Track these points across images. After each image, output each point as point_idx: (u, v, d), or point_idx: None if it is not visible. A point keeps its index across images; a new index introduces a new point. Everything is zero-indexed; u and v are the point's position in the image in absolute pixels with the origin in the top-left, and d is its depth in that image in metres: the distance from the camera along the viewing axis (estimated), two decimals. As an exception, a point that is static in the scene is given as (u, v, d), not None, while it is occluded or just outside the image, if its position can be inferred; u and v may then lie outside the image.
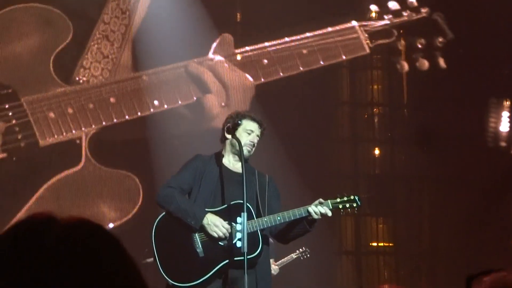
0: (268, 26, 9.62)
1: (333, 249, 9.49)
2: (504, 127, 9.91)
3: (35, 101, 9.25)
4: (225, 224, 5.40)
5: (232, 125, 5.54)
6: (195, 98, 9.55)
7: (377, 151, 9.90)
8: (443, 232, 9.76)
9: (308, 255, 8.36)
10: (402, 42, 9.72)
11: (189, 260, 5.40)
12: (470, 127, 9.79)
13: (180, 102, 9.49)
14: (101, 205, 9.24)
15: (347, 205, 5.44)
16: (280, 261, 8.21)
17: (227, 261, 5.31)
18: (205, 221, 5.36)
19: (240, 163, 5.45)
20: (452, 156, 9.80)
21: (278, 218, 5.42)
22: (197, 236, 5.42)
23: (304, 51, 9.70)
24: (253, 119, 5.65)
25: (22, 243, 1.26)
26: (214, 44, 9.70)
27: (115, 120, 9.31)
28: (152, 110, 9.45)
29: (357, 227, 9.52)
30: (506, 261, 9.50)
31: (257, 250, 5.39)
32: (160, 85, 9.49)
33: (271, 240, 5.77)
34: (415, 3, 9.71)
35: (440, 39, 9.62)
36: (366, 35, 9.68)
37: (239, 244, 5.33)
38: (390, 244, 9.73)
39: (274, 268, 7.81)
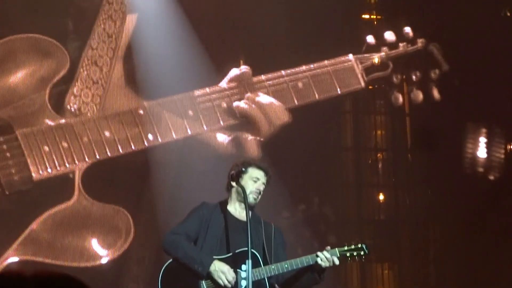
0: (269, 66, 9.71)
1: None
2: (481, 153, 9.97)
3: (29, 134, 9.25)
4: (232, 271, 5.46)
5: (236, 173, 5.62)
6: (189, 132, 9.56)
7: (381, 196, 9.95)
8: (449, 277, 9.79)
9: None
10: (398, 74, 9.72)
11: None
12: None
13: (175, 136, 9.51)
14: (92, 240, 9.21)
15: (355, 253, 5.53)
16: None
17: None
18: (212, 268, 5.44)
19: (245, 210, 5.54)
20: (457, 198, 9.89)
21: (286, 266, 5.50)
22: (204, 283, 5.49)
23: (300, 85, 9.76)
24: (259, 167, 5.76)
25: None
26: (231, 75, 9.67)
27: (109, 154, 9.32)
28: (146, 144, 9.47)
29: (363, 273, 9.54)
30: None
31: (265, 297, 5.46)
32: (156, 119, 9.51)
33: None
34: (411, 34, 9.77)
35: (435, 71, 9.67)
36: (362, 68, 9.74)
37: (245, 292, 5.39)
38: None
39: None
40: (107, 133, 9.36)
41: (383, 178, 9.97)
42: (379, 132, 10.12)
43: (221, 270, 5.40)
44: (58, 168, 9.24)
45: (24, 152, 9.19)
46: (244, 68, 9.64)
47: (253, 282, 5.36)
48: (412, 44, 9.72)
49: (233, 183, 5.62)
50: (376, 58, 9.65)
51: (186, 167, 9.44)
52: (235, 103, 9.48)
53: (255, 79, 9.70)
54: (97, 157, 9.28)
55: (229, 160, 8.99)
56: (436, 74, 9.74)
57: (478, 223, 9.87)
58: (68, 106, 9.38)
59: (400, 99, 9.81)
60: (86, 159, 9.30)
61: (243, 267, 5.42)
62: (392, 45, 9.75)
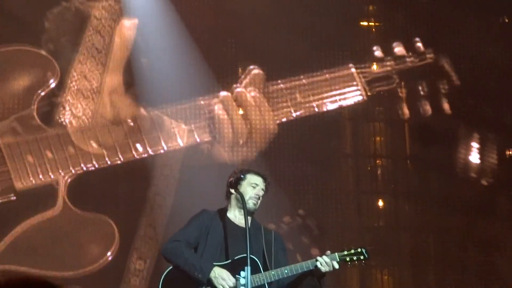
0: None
1: None
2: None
3: (13, 145, 9.24)
4: (232, 277, 5.48)
5: (235, 180, 5.67)
6: (181, 144, 9.58)
7: (380, 203, 10.00)
8: (448, 283, 9.85)
9: None
10: (403, 88, 9.75)
11: None
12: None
13: (165, 147, 9.53)
14: (76, 249, 9.21)
15: (355, 258, 5.56)
16: None
17: None
18: (212, 274, 5.45)
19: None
20: (456, 204, 9.98)
21: (286, 271, 5.52)
22: None
23: (298, 97, 9.82)
24: (257, 174, 5.81)
25: None
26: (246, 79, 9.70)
27: (96, 165, 9.32)
28: (135, 155, 9.48)
29: (362, 279, 9.59)
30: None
31: (265, 303, 5.49)
32: (146, 129, 9.53)
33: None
34: (422, 48, 9.79)
35: (445, 85, 9.67)
36: (364, 81, 9.79)
37: (244, 298, 5.41)
38: None
39: None
40: (94, 144, 9.36)
41: (383, 185, 10.02)
42: (378, 138, 10.17)
43: (221, 276, 5.41)
44: (42, 178, 9.23)
45: (7, 162, 9.18)
46: (256, 69, 9.73)
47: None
48: (421, 59, 9.71)
49: (232, 190, 5.69)
50: (375, 66, 9.63)
51: (187, 175, 9.50)
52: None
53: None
54: (83, 167, 9.28)
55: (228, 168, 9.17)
56: (445, 87, 9.75)
57: (477, 230, 9.95)
58: (58, 119, 9.38)
59: (408, 113, 9.83)
60: (71, 169, 9.29)
61: (243, 273, 5.44)
62: (399, 59, 9.77)
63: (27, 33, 9.42)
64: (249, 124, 9.63)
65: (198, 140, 9.64)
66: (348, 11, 10.10)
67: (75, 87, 9.51)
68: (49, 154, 9.26)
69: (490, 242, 9.98)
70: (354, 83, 9.74)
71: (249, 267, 5.29)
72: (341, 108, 9.92)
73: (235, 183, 5.66)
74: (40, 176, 9.23)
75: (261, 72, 9.75)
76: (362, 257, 5.55)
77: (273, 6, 9.74)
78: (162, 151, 9.51)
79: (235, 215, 5.73)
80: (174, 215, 9.32)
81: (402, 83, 9.81)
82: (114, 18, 9.54)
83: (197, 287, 5.48)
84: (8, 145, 9.24)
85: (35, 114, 9.29)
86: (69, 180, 9.29)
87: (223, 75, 9.80)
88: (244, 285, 5.42)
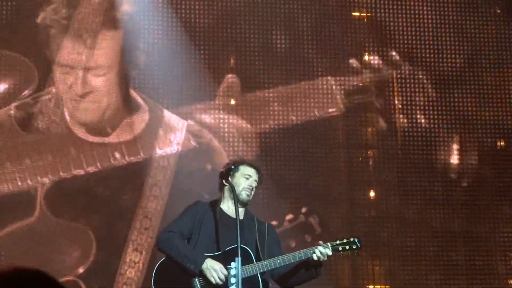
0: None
1: None
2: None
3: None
4: (224, 269, 5.51)
5: (226, 171, 5.69)
6: (158, 152, 9.57)
7: (372, 193, 10.00)
8: (440, 273, 9.87)
9: None
10: (380, 99, 9.75)
11: None
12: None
13: (143, 155, 9.53)
14: (52, 257, 9.20)
15: (347, 247, 5.60)
16: None
17: None
18: (204, 266, 5.50)
19: (239, 209, 5.56)
20: (448, 194, 9.98)
21: (278, 261, 5.56)
22: (197, 281, 5.53)
23: (276, 105, 9.85)
24: (250, 165, 5.86)
25: None
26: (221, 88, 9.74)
27: (74, 172, 9.32)
28: (113, 162, 9.48)
29: (353, 270, 9.59)
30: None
31: (258, 293, 5.51)
32: (126, 137, 9.54)
33: (271, 284, 5.87)
34: (398, 58, 9.82)
35: (421, 97, 9.68)
36: (342, 91, 9.80)
37: (235, 288, 5.43)
38: (387, 287, 9.81)
39: None
40: (72, 150, 9.36)
41: (374, 175, 10.03)
42: (369, 129, 10.17)
43: (213, 268, 5.45)
44: (20, 184, 9.23)
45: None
46: (231, 77, 9.74)
47: (245, 278, 5.42)
48: (398, 71, 9.74)
49: (224, 181, 5.70)
50: (357, 83, 9.66)
51: (184, 165, 9.52)
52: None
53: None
54: (61, 174, 9.27)
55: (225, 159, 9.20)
56: (421, 100, 9.79)
57: (470, 220, 9.98)
58: (36, 124, 9.37)
59: (384, 125, 9.84)
60: (49, 176, 9.28)
61: (233, 264, 5.47)
62: (376, 70, 9.77)
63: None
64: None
65: (193, 144, 9.69)
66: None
67: (54, 90, 9.51)
68: (27, 161, 9.26)
69: (480, 235, 9.99)
70: (332, 93, 9.75)
71: (239, 258, 5.33)
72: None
73: (226, 174, 5.69)
74: (18, 182, 9.23)
75: (237, 81, 9.78)
76: (354, 247, 5.59)
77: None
78: (139, 159, 9.51)
79: (228, 206, 5.76)
80: (170, 206, 9.33)
81: (379, 95, 9.82)
82: (100, 14, 9.56)
83: (190, 278, 5.53)
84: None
85: (12, 119, 9.30)
86: (46, 187, 9.27)
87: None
88: (235, 275, 5.44)
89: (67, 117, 9.49)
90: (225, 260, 5.54)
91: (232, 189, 5.57)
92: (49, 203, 9.25)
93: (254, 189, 5.76)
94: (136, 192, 9.41)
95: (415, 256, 9.82)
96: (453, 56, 10.10)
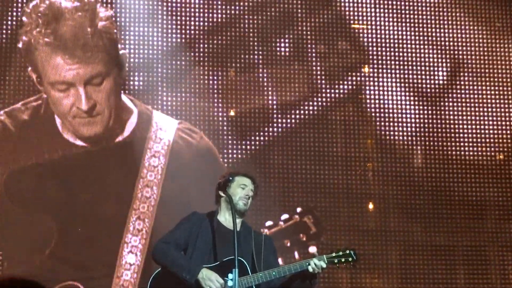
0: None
1: None
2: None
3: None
4: (220, 279, 5.53)
5: (223, 182, 5.72)
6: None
7: (371, 205, 10.02)
8: (440, 285, 9.93)
9: None
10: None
11: None
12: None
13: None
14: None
15: (343, 260, 5.60)
16: None
17: None
18: (200, 276, 5.51)
19: (236, 220, 5.58)
20: (446, 206, 10.00)
21: (274, 273, 5.57)
22: None
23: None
24: (246, 175, 5.88)
25: None
26: None
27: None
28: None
29: (352, 283, 9.56)
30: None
31: (253, 304, 5.52)
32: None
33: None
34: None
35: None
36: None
37: (232, 300, 5.45)
38: None
39: None
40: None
41: (373, 187, 9.98)
42: (369, 141, 10.21)
43: (208, 278, 5.46)
44: None
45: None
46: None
47: None
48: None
49: (221, 193, 5.73)
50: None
51: (175, 165, 9.52)
52: None
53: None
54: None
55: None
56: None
57: (469, 231, 9.96)
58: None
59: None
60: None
61: (230, 275, 5.48)
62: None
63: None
64: None
65: (189, 138, 9.68)
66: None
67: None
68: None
69: (480, 246, 10.00)
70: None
71: (237, 269, 5.33)
72: (331, 108, 10.02)
73: (224, 185, 5.72)
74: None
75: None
76: (350, 259, 5.59)
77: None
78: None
79: (225, 218, 5.78)
80: (162, 207, 9.33)
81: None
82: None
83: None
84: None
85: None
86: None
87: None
88: (231, 287, 5.46)
89: (59, 127, 9.49)
90: (222, 271, 5.55)
91: (230, 199, 5.60)
92: (10, 193, 9.23)
93: (250, 198, 5.80)
94: (127, 194, 9.42)
95: (414, 268, 9.86)
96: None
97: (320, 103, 9.93)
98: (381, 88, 10.13)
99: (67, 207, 9.31)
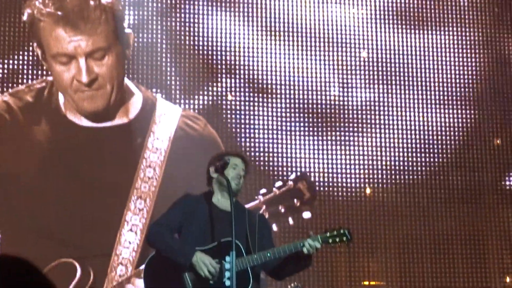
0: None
1: (324, 286, 9.50)
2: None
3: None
4: (214, 262, 5.49)
5: (221, 165, 5.70)
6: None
7: (368, 190, 10.08)
8: (436, 270, 9.85)
9: None
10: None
11: None
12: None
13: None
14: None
15: (337, 239, 5.60)
16: None
17: None
18: (194, 259, 5.45)
19: (229, 200, 5.59)
20: (444, 190, 10.04)
21: (268, 254, 5.55)
22: (187, 275, 5.50)
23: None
24: (236, 155, 5.90)
25: None
26: None
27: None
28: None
29: (350, 267, 9.55)
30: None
31: (248, 286, 5.56)
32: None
33: (262, 276, 5.92)
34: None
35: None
36: None
37: (228, 283, 5.48)
38: (382, 283, 9.83)
39: None
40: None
41: (371, 171, 10.00)
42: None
43: (203, 261, 5.42)
44: None
45: None
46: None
47: (236, 272, 5.36)
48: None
49: (218, 175, 5.70)
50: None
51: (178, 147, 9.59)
52: None
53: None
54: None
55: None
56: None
57: (466, 216, 10.01)
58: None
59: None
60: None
61: (227, 258, 5.48)
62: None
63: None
64: None
65: (193, 125, 9.77)
66: None
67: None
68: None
69: (478, 231, 10.04)
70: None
71: (233, 252, 5.33)
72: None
73: (222, 168, 5.68)
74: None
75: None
76: (345, 238, 5.59)
77: None
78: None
79: (219, 199, 5.74)
80: (164, 188, 9.42)
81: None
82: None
83: (180, 273, 5.50)
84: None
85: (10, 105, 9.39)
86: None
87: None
88: (228, 269, 5.48)
89: (63, 108, 9.56)
90: (217, 253, 5.51)
91: (227, 183, 5.56)
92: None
93: (242, 177, 5.76)
94: (130, 174, 9.50)
95: (412, 252, 9.91)
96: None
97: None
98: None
99: (68, 186, 9.34)
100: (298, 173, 9.72)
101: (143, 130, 9.55)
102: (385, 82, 10.21)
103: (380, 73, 10.21)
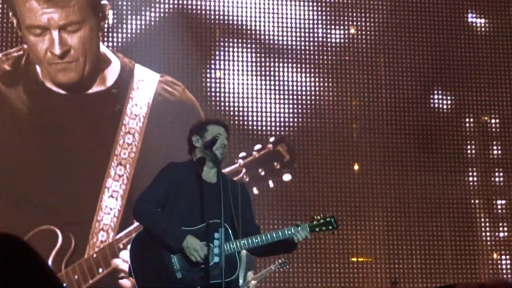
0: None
1: (312, 263, 9.55)
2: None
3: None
4: (204, 248, 5.46)
5: (210, 142, 5.49)
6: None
7: (356, 167, 10.05)
8: (423, 245, 9.93)
9: (288, 266, 8.34)
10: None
11: (166, 281, 5.39)
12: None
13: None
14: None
15: (324, 228, 5.62)
16: (258, 274, 8.13)
17: (204, 284, 5.32)
18: (185, 244, 5.33)
19: (213, 171, 5.56)
20: (431, 168, 10.06)
21: (256, 241, 5.50)
22: (175, 257, 5.38)
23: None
24: (218, 123, 5.70)
25: None
26: None
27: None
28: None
29: (338, 243, 9.61)
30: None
31: (235, 273, 5.56)
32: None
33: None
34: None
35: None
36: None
37: (217, 268, 5.48)
38: (370, 259, 9.89)
39: (252, 283, 7.84)
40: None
41: (359, 148, 9.99)
42: (354, 102, 10.24)
43: (193, 247, 5.31)
44: None
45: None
46: None
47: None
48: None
49: (199, 144, 5.55)
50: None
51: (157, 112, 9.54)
52: None
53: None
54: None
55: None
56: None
57: (454, 185, 10.12)
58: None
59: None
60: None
61: (215, 242, 5.45)
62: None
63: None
64: None
65: (171, 90, 9.71)
66: None
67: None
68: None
69: (464, 205, 10.13)
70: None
71: (223, 235, 5.31)
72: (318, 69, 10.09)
73: (211, 146, 5.48)
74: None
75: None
76: (330, 227, 5.61)
77: None
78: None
79: (203, 170, 5.58)
80: (145, 154, 9.41)
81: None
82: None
83: (167, 253, 5.38)
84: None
85: None
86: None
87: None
88: (217, 254, 5.47)
89: (40, 76, 9.41)
90: (205, 234, 5.37)
91: (215, 159, 5.42)
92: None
93: (225, 146, 5.61)
94: (109, 141, 9.44)
95: (397, 229, 10.01)
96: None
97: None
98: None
99: (48, 154, 9.27)
100: (278, 136, 9.73)
101: (122, 97, 9.45)
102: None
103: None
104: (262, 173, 9.42)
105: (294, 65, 10.07)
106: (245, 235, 5.50)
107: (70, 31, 9.27)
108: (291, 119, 9.95)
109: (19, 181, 9.19)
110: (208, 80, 9.81)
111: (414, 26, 10.39)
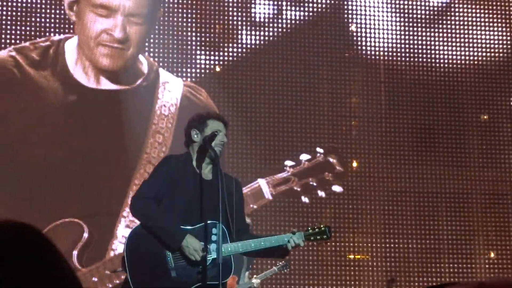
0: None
1: (309, 260, 9.59)
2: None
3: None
4: (202, 248, 5.47)
5: (209, 137, 5.48)
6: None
7: (354, 164, 10.05)
8: (419, 244, 9.93)
9: (288, 270, 8.41)
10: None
11: (161, 280, 5.39)
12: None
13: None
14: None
15: (318, 237, 5.66)
16: (262, 274, 8.20)
17: (200, 284, 5.32)
18: (184, 243, 5.31)
19: (209, 167, 5.54)
20: (431, 164, 9.99)
21: (252, 245, 5.53)
22: (171, 255, 5.37)
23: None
24: (217, 118, 5.64)
25: None
26: None
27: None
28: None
29: (335, 240, 9.60)
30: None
31: (228, 276, 5.59)
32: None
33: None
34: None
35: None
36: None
37: (212, 268, 5.50)
38: (367, 257, 9.84)
39: (255, 281, 7.89)
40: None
41: (357, 146, 9.97)
42: (353, 99, 10.18)
43: (193, 247, 5.32)
44: None
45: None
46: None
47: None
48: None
49: (198, 138, 5.54)
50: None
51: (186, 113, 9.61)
52: None
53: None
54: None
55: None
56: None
57: (452, 179, 10.09)
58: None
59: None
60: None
61: (212, 245, 5.40)
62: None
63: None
64: None
65: (197, 95, 9.78)
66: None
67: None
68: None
69: (461, 197, 10.07)
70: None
71: (220, 236, 5.33)
72: (317, 67, 10.15)
73: (210, 141, 5.47)
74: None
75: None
76: (325, 236, 5.65)
77: None
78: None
79: (199, 166, 5.53)
80: (173, 153, 9.46)
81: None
82: None
83: (163, 251, 5.39)
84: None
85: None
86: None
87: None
88: (215, 250, 5.48)
89: (70, 68, 9.59)
90: (203, 234, 5.38)
91: (215, 156, 5.41)
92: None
93: (224, 144, 5.58)
94: (138, 138, 9.48)
95: (395, 226, 9.94)
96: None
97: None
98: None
99: (75, 145, 9.38)
100: (328, 147, 9.66)
101: (150, 95, 9.53)
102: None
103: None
104: (314, 184, 9.40)
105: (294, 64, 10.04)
106: (236, 232, 5.47)
107: (132, 22, 9.44)
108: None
109: (49, 172, 9.28)
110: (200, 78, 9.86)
111: (414, 24, 10.39)
